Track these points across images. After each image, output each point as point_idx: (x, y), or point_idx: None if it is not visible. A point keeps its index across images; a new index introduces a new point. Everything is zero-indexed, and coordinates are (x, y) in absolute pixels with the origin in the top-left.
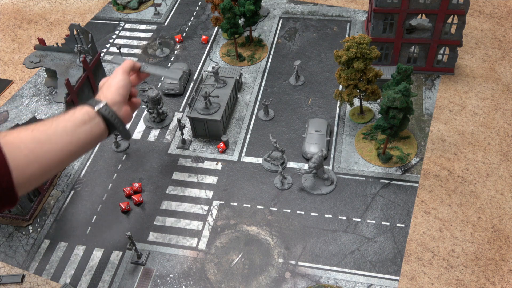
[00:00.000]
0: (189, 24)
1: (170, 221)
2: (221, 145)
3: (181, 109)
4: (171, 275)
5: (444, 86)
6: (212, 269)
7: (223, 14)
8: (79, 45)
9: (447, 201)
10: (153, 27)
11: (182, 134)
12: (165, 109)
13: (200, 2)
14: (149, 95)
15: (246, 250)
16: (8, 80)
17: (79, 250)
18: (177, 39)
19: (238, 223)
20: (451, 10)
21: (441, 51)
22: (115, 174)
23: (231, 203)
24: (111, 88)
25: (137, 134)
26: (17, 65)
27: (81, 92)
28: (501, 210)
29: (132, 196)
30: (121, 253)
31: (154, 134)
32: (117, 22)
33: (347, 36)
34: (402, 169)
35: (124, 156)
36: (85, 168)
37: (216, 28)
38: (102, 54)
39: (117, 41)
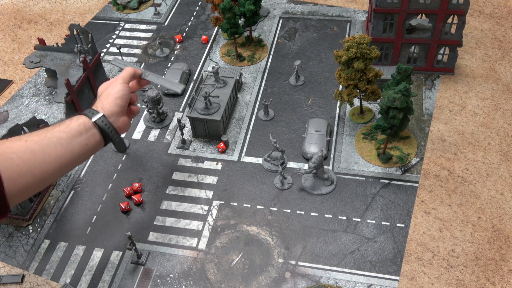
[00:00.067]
0: (189, 24)
1: (170, 221)
2: (221, 145)
3: (181, 109)
4: (171, 275)
5: (444, 86)
6: (212, 269)
7: (223, 14)
8: (79, 45)
9: (447, 201)
10: (153, 27)
11: (182, 134)
12: (165, 109)
13: (200, 2)
14: (149, 95)
15: (246, 250)
16: (8, 80)
17: (79, 250)
18: (177, 39)
19: (238, 223)
20: (451, 10)
21: (441, 51)
22: (115, 174)
23: (231, 203)
24: (109, 98)
25: (137, 134)
26: (17, 65)
27: (81, 92)
28: (501, 210)
29: (132, 196)
30: (121, 253)
31: (154, 134)
32: (117, 22)
33: (347, 36)
34: (402, 169)
35: (124, 156)
36: (85, 168)
37: (216, 28)
38: (102, 54)
39: (117, 41)
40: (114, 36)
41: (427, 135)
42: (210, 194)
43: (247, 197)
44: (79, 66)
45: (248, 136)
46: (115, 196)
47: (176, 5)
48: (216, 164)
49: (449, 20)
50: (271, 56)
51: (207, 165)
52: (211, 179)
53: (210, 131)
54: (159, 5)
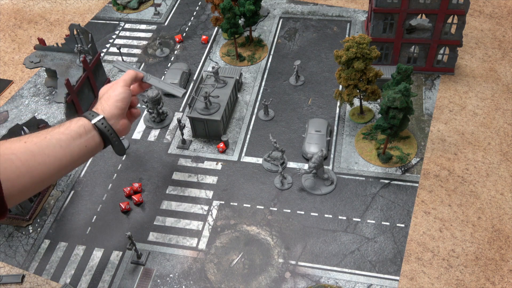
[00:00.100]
0: (189, 24)
1: (170, 221)
2: (221, 145)
3: (181, 109)
4: (171, 275)
5: (444, 86)
6: (212, 269)
7: (223, 14)
8: (79, 45)
9: (447, 201)
10: (153, 27)
11: (182, 134)
12: (165, 109)
13: (200, 2)
14: (149, 95)
15: (246, 250)
16: (8, 80)
17: (79, 250)
18: (177, 39)
19: (238, 223)
20: (451, 10)
21: (441, 51)
22: (115, 174)
23: (231, 203)
24: (109, 100)
25: (137, 134)
26: (17, 65)
27: (81, 92)
28: (501, 210)
29: (132, 196)
30: (121, 253)
31: (154, 134)
32: (117, 22)
33: (347, 36)
34: (402, 169)
35: (124, 156)
36: (85, 168)
37: (216, 28)
38: (102, 54)
39: (117, 41)
40: (114, 36)
41: (427, 135)
42: (210, 194)
43: (247, 197)
44: (79, 66)
45: (248, 136)
46: (115, 196)
47: (176, 5)
48: (216, 164)
49: (449, 20)
50: (271, 56)
51: (207, 165)
52: (211, 179)
53: (210, 131)
54: (159, 5)
